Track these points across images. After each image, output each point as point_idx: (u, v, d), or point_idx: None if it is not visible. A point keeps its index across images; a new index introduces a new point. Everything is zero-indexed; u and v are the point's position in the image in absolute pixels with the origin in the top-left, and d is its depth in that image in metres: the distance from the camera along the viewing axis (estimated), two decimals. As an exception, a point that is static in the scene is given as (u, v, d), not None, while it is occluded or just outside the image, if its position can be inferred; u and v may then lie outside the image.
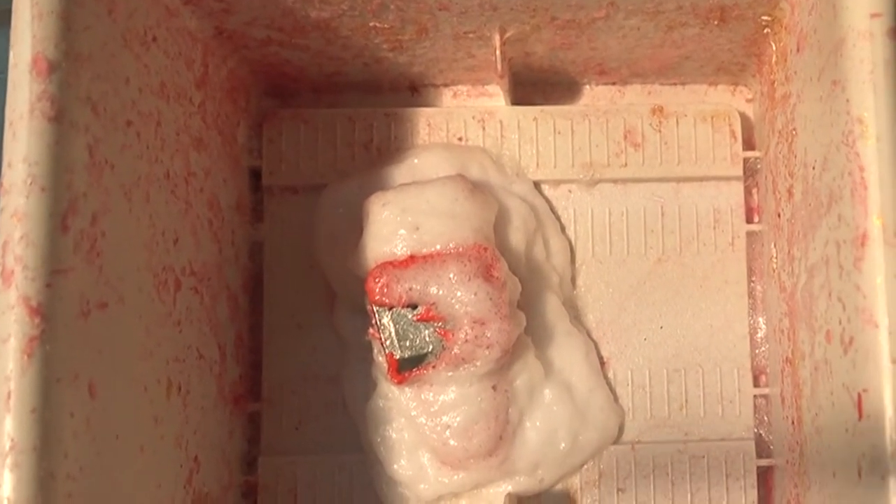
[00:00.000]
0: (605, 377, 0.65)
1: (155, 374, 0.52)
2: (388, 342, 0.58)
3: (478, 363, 0.58)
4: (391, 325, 0.58)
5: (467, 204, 0.59)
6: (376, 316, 0.58)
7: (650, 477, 0.64)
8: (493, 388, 0.59)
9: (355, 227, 0.62)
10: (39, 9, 0.42)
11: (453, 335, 0.57)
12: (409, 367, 0.58)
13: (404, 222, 0.59)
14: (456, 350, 0.57)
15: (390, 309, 0.58)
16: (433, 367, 0.58)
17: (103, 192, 0.45)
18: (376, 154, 0.66)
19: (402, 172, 0.63)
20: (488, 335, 0.57)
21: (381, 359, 0.60)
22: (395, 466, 0.61)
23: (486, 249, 0.59)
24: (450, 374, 0.58)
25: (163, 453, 0.53)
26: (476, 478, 0.61)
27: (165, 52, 0.53)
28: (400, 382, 0.59)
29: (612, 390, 0.65)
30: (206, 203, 0.58)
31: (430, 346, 0.58)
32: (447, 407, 0.59)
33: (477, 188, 0.61)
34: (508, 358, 0.59)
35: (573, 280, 0.66)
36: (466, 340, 0.57)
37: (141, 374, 0.50)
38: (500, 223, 0.62)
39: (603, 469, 0.64)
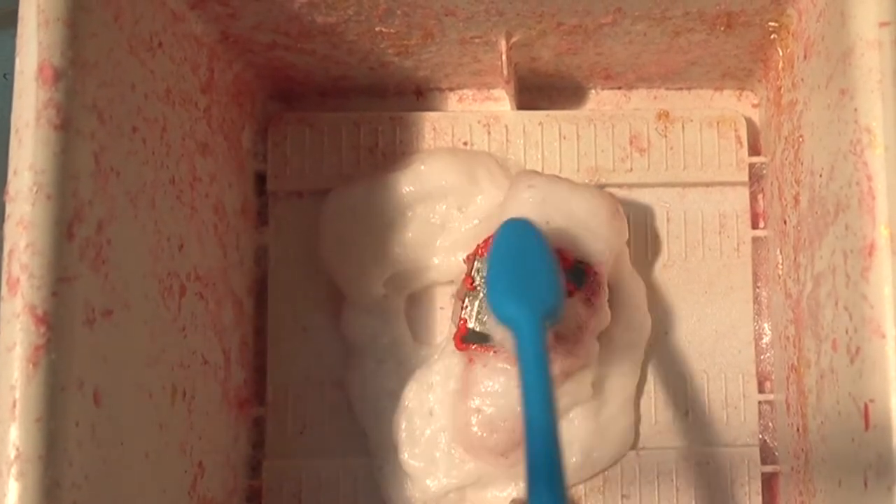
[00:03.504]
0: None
1: (160, 381, 0.52)
2: (467, 308, 0.59)
3: None
4: (479, 294, 0.59)
5: (605, 224, 0.59)
6: (474, 270, 0.59)
7: (655, 483, 0.64)
8: None
9: (362, 231, 0.62)
10: (45, 16, 0.42)
11: None
12: (474, 340, 0.59)
13: (540, 210, 0.59)
14: None
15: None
16: (495, 351, 0.58)
17: (109, 200, 0.45)
18: (381, 158, 0.66)
19: (407, 177, 0.63)
20: (557, 353, 0.57)
21: (454, 320, 0.60)
22: (406, 456, 0.61)
23: (598, 274, 0.59)
24: (505, 366, 0.58)
25: (168, 460, 0.53)
26: (487, 471, 0.61)
27: (171, 58, 0.53)
28: (460, 349, 0.59)
29: (617, 395, 0.65)
30: (211, 208, 0.58)
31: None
32: (486, 394, 0.59)
33: (619, 213, 0.61)
34: (564, 379, 0.59)
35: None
36: None
37: (146, 381, 0.50)
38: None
39: (607, 475, 0.64)
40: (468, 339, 0.59)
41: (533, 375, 0.45)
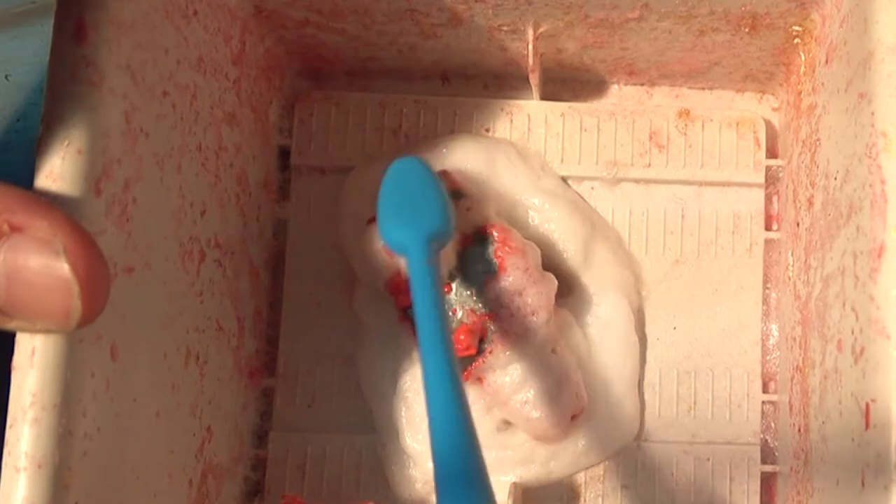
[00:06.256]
0: (616, 374, 0.66)
1: (175, 343, 0.53)
2: None
3: (532, 331, 0.58)
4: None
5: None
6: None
7: (654, 476, 0.64)
8: (553, 350, 0.60)
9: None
10: (85, -26, 0.43)
11: (498, 316, 0.58)
12: (469, 363, 0.59)
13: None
14: (507, 327, 0.58)
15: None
16: (491, 352, 0.59)
17: (137, 160, 0.46)
18: (404, 140, 0.67)
19: (429, 160, 0.63)
20: (529, 301, 0.58)
21: None
22: (408, 439, 0.62)
23: (495, 225, 0.60)
24: (508, 353, 0.59)
25: (178, 421, 0.54)
26: (493, 459, 0.62)
27: (205, 27, 0.54)
28: (467, 380, 0.60)
29: (622, 387, 0.66)
30: (234, 178, 0.59)
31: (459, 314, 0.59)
32: (516, 386, 0.59)
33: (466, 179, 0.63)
34: (553, 318, 0.60)
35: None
36: (513, 315, 0.58)
37: (162, 341, 0.51)
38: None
39: (608, 465, 0.64)
40: (465, 364, 0.59)
41: (422, 294, 0.48)
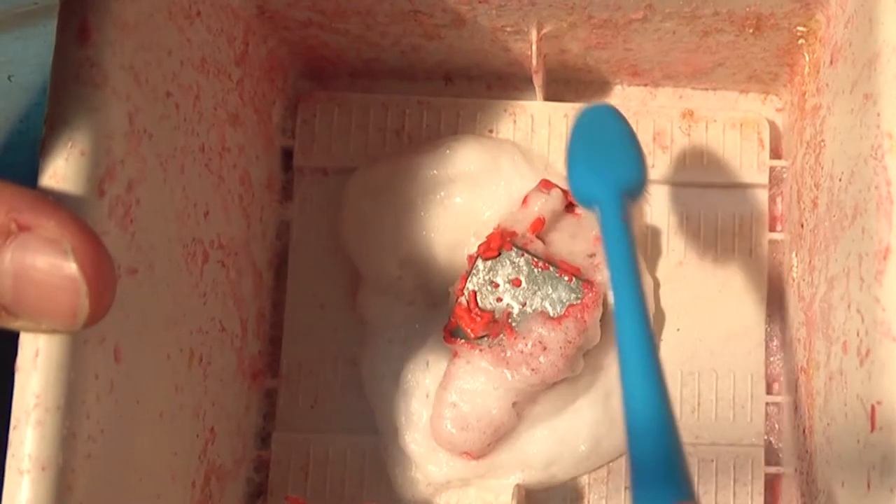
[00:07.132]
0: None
1: (178, 344, 0.52)
2: (461, 298, 0.60)
3: (515, 376, 0.58)
4: (476, 286, 0.60)
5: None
6: (473, 269, 0.60)
7: (658, 477, 0.64)
8: (514, 404, 0.60)
9: (382, 211, 0.63)
10: (88, -25, 0.43)
11: (515, 338, 0.58)
12: (461, 336, 0.60)
13: None
14: (508, 353, 0.58)
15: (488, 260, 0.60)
16: (480, 350, 0.59)
17: (140, 161, 0.46)
18: (407, 141, 0.67)
19: (432, 161, 0.64)
20: (541, 360, 0.58)
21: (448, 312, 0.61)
22: (408, 440, 0.62)
23: (594, 290, 0.60)
24: (488, 366, 0.59)
25: (181, 422, 0.53)
26: (491, 464, 0.62)
27: (208, 28, 0.54)
28: (448, 343, 0.60)
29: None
30: (237, 179, 0.59)
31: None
32: (464, 391, 0.59)
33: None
34: (544, 389, 0.60)
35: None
36: (521, 352, 0.58)
37: (165, 343, 0.51)
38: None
39: (612, 466, 0.64)
40: (456, 334, 0.60)
41: (615, 248, 0.45)
